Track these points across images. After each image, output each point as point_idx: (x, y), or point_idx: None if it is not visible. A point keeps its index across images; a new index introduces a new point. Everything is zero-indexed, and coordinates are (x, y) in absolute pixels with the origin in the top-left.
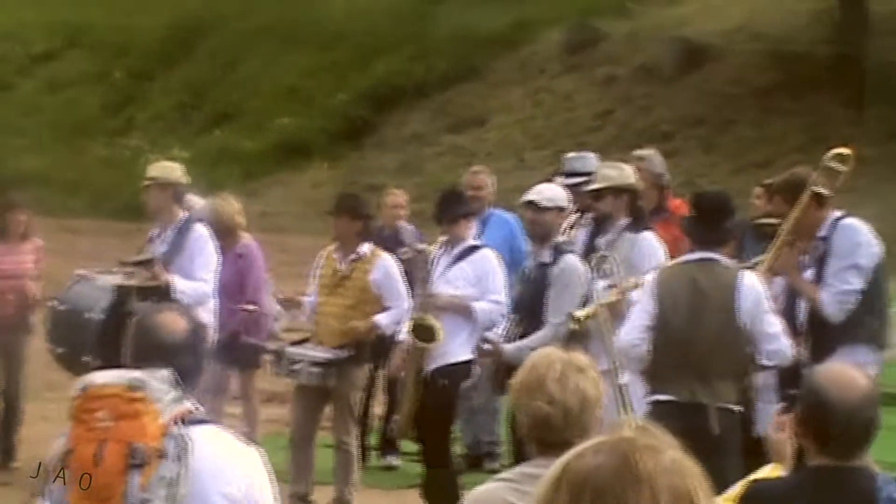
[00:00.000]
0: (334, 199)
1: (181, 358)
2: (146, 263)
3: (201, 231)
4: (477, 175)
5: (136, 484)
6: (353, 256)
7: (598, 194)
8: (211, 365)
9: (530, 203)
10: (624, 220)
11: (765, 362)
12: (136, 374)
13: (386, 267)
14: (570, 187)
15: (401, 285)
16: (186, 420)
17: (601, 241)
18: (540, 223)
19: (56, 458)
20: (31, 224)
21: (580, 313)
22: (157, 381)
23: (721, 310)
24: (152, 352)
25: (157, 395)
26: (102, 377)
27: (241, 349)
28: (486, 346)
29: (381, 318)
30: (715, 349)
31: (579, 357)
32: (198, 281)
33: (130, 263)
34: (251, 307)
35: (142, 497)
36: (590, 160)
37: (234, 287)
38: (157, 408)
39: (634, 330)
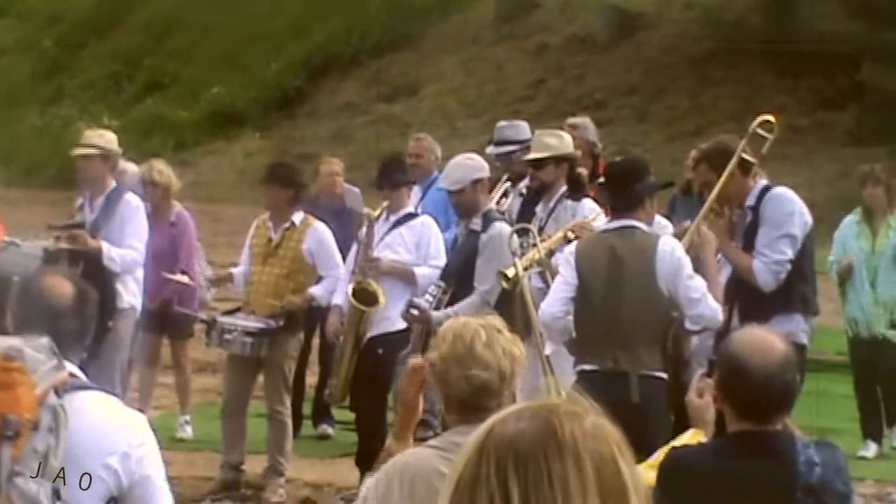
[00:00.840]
0: (266, 168)
1: (65, 323)
2: (74, 227)
3: (132, 200)
4: (420, 142)
5: (8, 456)
6: (285, 225)
7: (540, 163)
8: (142, 333)
9: (446, 190)
10: (563, 188)
11: (691, 327)
12: (12, 342)
13: (319, 235)
14: (502, 156)
15: (335, 254)
16: (66, 388)
17: (539, 210)
18: (458, 204)
19: None
20: None
21: (510, 271)
22: (35, 349)
23: (640, 276)
24: (35, 317)
25: (33, 364)
26: None
27: (172, 318)
28: (414, 312)
29: (316, 290)
30: (636, 317)
31: (493, 319)
32: (128, 248)
33: (59, 227)
34: (183, 279)
35: (13, 469)
36: (522, 128)
37: (167, 255)
38: (33, 378)
39: (556, 302)
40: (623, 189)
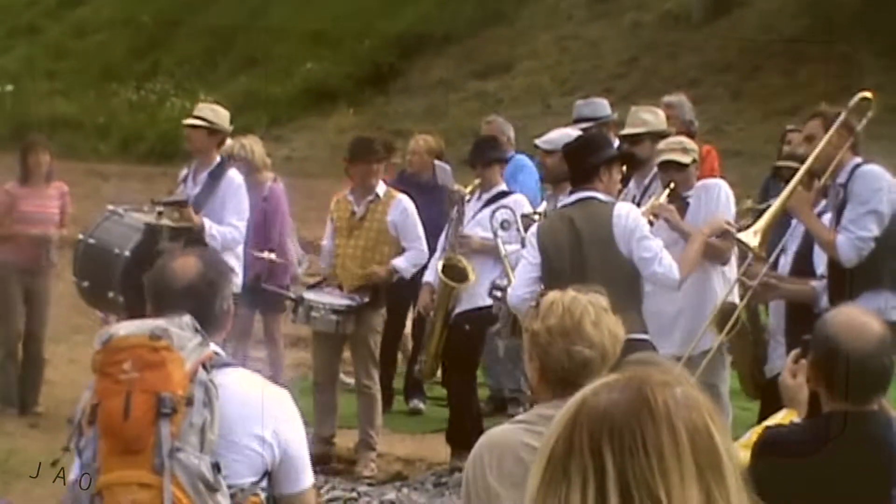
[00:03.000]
0: (349, 143)
1: (201, 302)
2: (178, 204)
3: (235, 176)
4: (491, 124)
5: (167, 433)
6: (369, 198)
7: (635, 139)
8: (236, 309)
9: (538, 147)
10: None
11: (648, 288)
12: (157, 322)
13: (403, 207)
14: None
15: (418, 226)
16: (211, 365)
17: (632, 186)
18: (549, 166)
19: (83, 413)
20: (54, 167)
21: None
22: (179, 327)
23: (600, 244)
24: (171, 297)
25: (180, 342)
26: (125, 328)
27: (265, 293)
28: (497, 293)
29: (399, 262)
30: (604, 284)
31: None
32: (228, 226)
33: (162, 203)
34: (271, 256)
35: (174, 445)
36: (599, 106)
37: (260, 230)
38: (181, 355)
39: (524, 284)
40: (579, 162)
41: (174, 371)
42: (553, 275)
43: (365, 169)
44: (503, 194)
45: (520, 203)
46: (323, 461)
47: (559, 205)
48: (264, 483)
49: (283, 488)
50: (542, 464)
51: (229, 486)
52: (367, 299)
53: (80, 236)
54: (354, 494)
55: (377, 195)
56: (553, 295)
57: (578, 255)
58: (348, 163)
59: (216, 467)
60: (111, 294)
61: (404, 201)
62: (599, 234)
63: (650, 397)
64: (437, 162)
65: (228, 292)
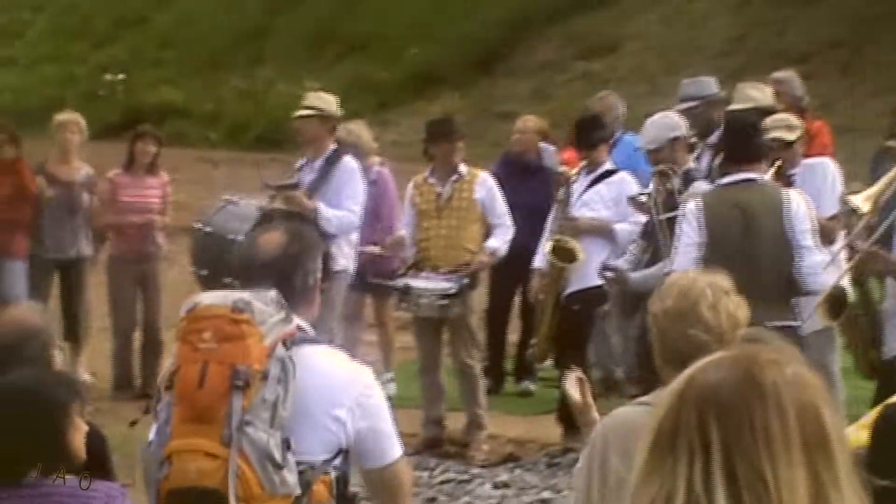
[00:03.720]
0: (427, 125)
1: (282, 277)
2: (289, 188)
3: (350, 163)
4: (602, 100)
5: (239, 406)
6: (453, 178)
7: None
8: (347, 293)
9: (643, 150)
10: None
11: (800, 279)
12: (242, 295)
13: (488, 184)
14: (685, 112)
15: (503, 202)
16: (293, 341)
17: None
18: (656, 163)
19: (164, 378)
20: (161, 157)
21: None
22: (263, 302)
23: (773, 231)
24: (254, 271)
25: (261, 316)
26: (208, 298)
27: (365, 276)
28: (609, 274)
29: (493, 243)
30: (772, 270)
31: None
32: (344, 211)
33: (274, 187)
34: (374, 250)
35: (244, 419)
36: (705, 84)
37: (368, 214)
38: (261, 330)
39: (686, 264)
40: (744, 142)
41: (252, 345)
42: (717, 256)
43: (447, 148)
44: (609, 173)
45: (626, 181)
46: (435, 444)
47: (719, 183)
48: (337, 461)
49: (368, 463)
50: (648, 440)
51: (300, 463)
52: (466, 280)
53: (197, 225)
54: (467, 476)
55: (460, 174)
56: (674, 276)
57: (749, 238)
58: (428, 144)
59: (286, 444)
60: (227, 280)
61: (488, 178)
62: (771, 219)
63: (758, 376)
64: (541, 144)
65: (313, 267)
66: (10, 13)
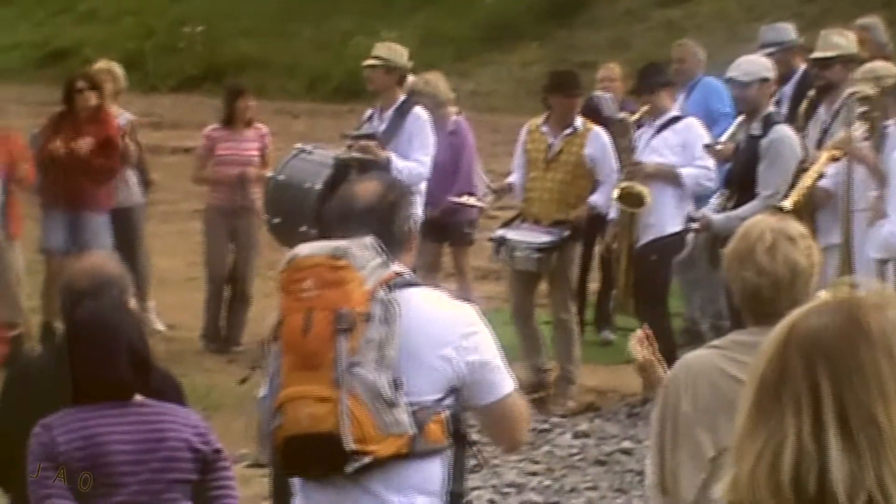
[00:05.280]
0: (548, 76)
1: (381, 224)
2: (366, 137)
3: (421, 113)
4: (682, 47)
5: (345, 349)
6: (566, 132)
7: (826, 63)
8: (422, 242)
9: (731, 80)
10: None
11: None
12: (339, 242)
13: (600, 141)
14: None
15: (613, 159)
16: (394, 284)
17: (822, 111)
18: (744, 98)
19: (270, 331)
20: (255, 110)
21: (787, 203)
22: (361, 248)
23: None
24: (352, 219)
25: (360, 261)
26: (307, 248)
27: (453, 226)
28: (694, 225)
29: (597, 198)
30: None
31: (792, 226)
32: (414, 161)
33: (351, 136)
34: (470, 201)
35: (351, 361)
36: (783, 30)
37: (448, 165)
38: (361, 274)
39: None
40: None
41: (353, 289)
42: None
43: (566, 102)
44: (676, 119)
45: (693, 127)
46: (538, 389)
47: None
48: (448, 401)
49: (480, 399)
50: (752, 390)
51: (411, 404)
52: (566, 233)
53: (270, 174)
54: (547, 426)
55: (574, 128)
56: (747, 221)
57: None
58: (548, 94)
59: (396, 383)
60: (303, 228)
61: (601, 134)
62: None
63: (863, 320)
64: (598, 93)
65: (409, 213)
66: None
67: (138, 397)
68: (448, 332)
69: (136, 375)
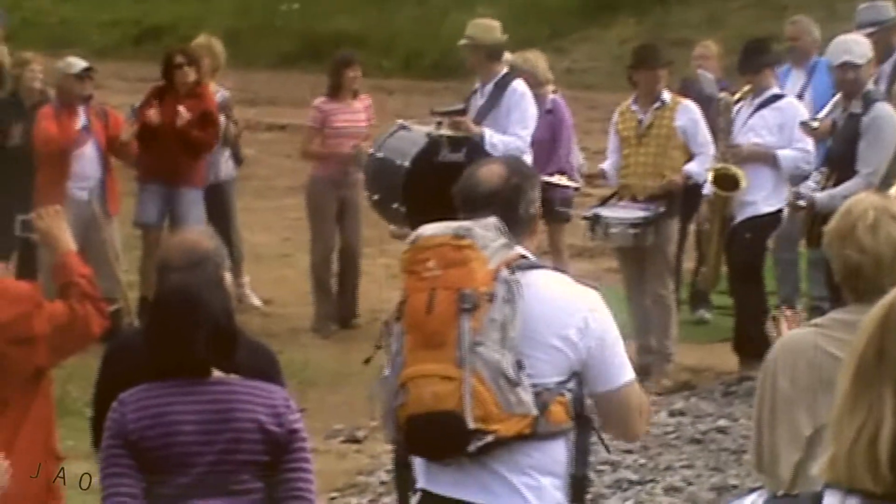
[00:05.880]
0: (632, 52)
1: (506, 207)
2: (455, 113)
3: (519, 87)
4: (795, 25)
5: (468, 328)
6: (655, 106)
7: None
8: None
9: (846, 63)
10: None
11: None
12: (462, 223)
13: (690, 113)
14: None
15: (706, 130)
16: (518, 265)
17: None
18: (857, 80)
19: (393, 311)
20: (360, 81)
21: (893, 191)
22: (484, 228)
23: None
24: (477, 203)
25: (483, 241)
26: (431, 228)
27: (548, 204)
28: (800, 202)
29: (692, 167)
30: None
31: (892, 202)
32: (512, 135)
33: (441, 113)
34: (562, 181)
35: (474, 340)
36: (881, 8)
37: (545, 142)
38: (484, 254)
39: None
40: None
41: (477, 268)
42: None
43: (650, 75)
44: (775, 98)
45: (792, 106)
46: (646, 372)
47: None
48: (571, 384)
49: (597, 386)
50: (851, 369)
51: (534, 385)
52: (662, 209)
53: (370, 151)
54: None
55: (663, 101)
56: (849, 199)
57: None
58: (632, 70)
59: (519, 364)
60: (395, 205)
61: (690, 106)
62: None
63: None
64: (699, 71)
65: (533, 197)
66: None
67: (217, 374)
68: (571, 314)
69: (218, 352)
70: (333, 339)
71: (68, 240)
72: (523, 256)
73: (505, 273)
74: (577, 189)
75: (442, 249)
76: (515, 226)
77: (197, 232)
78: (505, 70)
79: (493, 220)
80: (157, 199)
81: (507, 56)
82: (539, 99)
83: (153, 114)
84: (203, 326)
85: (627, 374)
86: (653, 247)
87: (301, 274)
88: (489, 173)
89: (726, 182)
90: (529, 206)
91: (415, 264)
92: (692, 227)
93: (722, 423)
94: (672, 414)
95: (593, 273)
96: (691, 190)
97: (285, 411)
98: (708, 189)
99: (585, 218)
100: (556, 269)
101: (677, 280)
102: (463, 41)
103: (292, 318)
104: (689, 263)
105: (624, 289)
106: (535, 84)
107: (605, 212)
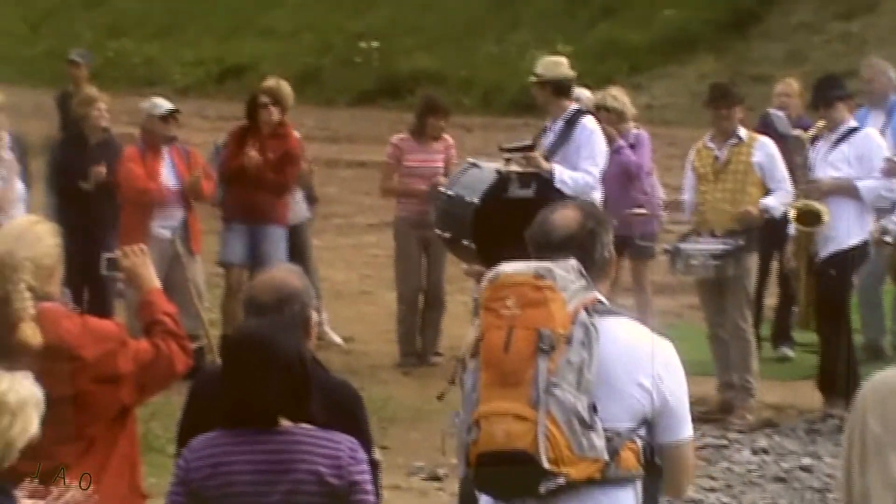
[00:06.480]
0: (708, 89)
1: (581, 252)
2: (524, 149)
3: (589, 123)
4: (871, 66)
5: (545, 369)
6: (732, 142)
7: None
8: None
9: None
10: None
11: None
12: (543, 263)
13: (766, 149)
14: None
15: (783, 166)
16: (594, 310)
17: None
18: None
19: (468, 346)
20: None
21: None
22: (564, 270)
23: None
24: (552, 248)
25: (563, 282)
26: (511, 267)
27: (632, 240)
28: (887, 238)
29: (769, 201)
30: None
31: None
32: (581, 171)
33: (509, 149)
34: (641, 211)
35: (550, 381)
36: None
37: (627, 175)
38: (563, 296)
39: None
40: None
41: (555, 310)
42: None
43: (725, 113)
44: (852, 131)
45: (870, 137)
46: (728, 409)
47: None
48: (642, 431)
49: (661, 437)
50: None
51: (605, 430)
52: (741, 242)
53: (441, 189)
54: (725, 441)
55: (739, 138)
56: None
57: None
58: (707, 107)
59: (592, 408)
60: (465, 242)
61: (767, 142)
62: None
63: None
64: (771, 110)
65: (608, 240)
66: None
67: (285, 422)
68: (646, 363)
69: (290, 400)
70: (414, 376)
71: (153, 278)
72: (600, 301)
73: (583, 316)
74: (660, 223)
75: (522, 288)
76: (590, 270)
77: (285, 270)
78: (575, 106)
79: (573, 262)
80: (241, 238)
81: (585, 93)
82: (623, 134)
83: (254, 155)
84: (274, 376)
85: (688, 430)
86: (732, 279)
87: (381, 311)
88: (564, 218)
89: (809, 218)
90: (604, 249)
91: (493, 301)
92: (774, 265)
93: (806, 461)
94: (755, 452)
95: (674, 309)
96: (771, 225)
97: (349, 462)
98: (791, 227)
99: (666, 251)
100: (632, 316)
101: (759, 317)
102: (531, 78)
103: (373, 355)
104: (771, 300)
105: (705, 325)
106: (622, 120)
107: (685, 245)
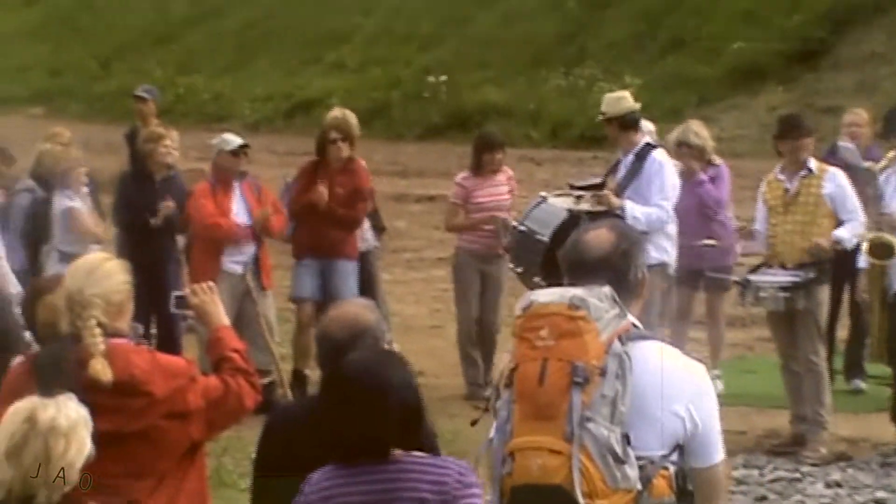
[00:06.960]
0: (777, 121)
1: (615, 273)
2: (594, 187)
3: (659, 156)
4: None
5: (579, 402)
6: (802, 174)
7: None
8: (676, 288)
9: None
10: None
11: None
12: (576, 291)
13: (837, 180)
14: None
15: (854, 197)
16: (628, 336)
17: None
18: None
19: (502, 376)
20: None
21: None
22: (598, 298)
23: None
24: (586, 269)
25: (597, 312)
26: (544, 296)
27: (706, 272)
28: None
29: (840, 232)
30: None
31: None
32: (654, 206)
33: (579, 187)
34: (710, 242)
35: (584, 415)
36: None
37: (704, 209)
38: (597, 326)
39: None
40: None
41: (590, 341)
42: None
43: (795, 145)
44: None
45: None
46: (800, 442)
47: None
48: (674, 457)
49: (694, 462)
50: None
51: (639, 458)
52: (812, 274)
53: (514, 223)
54: (798, 475)
55: (809, 170)
56: None
57: None
58: (777, 140)
59: (626, 439)
60: (537, 279)
61: (838, 174)
62: None
63: None
64: (841, 143)
65: (642, 261)
66: (341, 17)
67: (397, 452)
68: (680, 388)
69: (403, 430)
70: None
71: (222, 314)
72: (634, 325)
73: (617, 346)
74: (735, 255)
75: (555, 319)
76: (624, 291)
77: (358, 304)
78: (646, 139)
79: (607, 289)
80: (312, 273)
81: (649, 126)
82: (703, 168)
83: (322, 191)
84: (388, 408)
85: (720, 453)
86: (804, 312)
87: (450, 345)
88: (598, 239)
89: (882, 251)
90: (638, 270)
91: (527, 332)
92: (846, 297)
93: (881, 494)
94: (829, 485)
95: (745, 342)
96: (843, 257)
97: (456, 488)
98: (864, 260)
99: (736, 283)
100: (665, 341)
101: (831, 349)
102: (599, 116)
103: (443, 388)
104: (843, 332)
105: (777, 357)
106: (703, 156)
107: (755, 277)
